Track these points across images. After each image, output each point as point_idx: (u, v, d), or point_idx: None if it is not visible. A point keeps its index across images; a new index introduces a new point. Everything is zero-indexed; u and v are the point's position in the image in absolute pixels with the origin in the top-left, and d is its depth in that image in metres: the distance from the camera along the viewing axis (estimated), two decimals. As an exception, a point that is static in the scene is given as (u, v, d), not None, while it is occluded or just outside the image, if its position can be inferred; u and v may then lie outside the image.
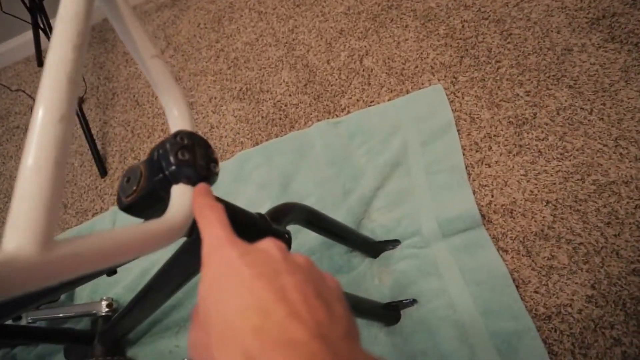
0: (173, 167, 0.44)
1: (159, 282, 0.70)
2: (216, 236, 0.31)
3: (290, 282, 0.25)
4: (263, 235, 0.59)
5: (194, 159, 0.45)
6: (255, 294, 0.24)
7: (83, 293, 1.15)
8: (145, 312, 0.86)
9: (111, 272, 0.68)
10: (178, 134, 0.46)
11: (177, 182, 0.44)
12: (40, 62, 1.81)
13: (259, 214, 0.62)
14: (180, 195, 0.43)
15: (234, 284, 0.25)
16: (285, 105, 1.22)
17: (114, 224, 1.23)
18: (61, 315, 1.07)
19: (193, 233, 0.56)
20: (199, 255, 0.62)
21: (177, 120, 0.50)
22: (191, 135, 0.47)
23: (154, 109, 1.43)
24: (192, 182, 0.44)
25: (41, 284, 0.27)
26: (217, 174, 0.47)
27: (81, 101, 1.53)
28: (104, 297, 1.05)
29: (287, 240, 0.65)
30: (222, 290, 0.26)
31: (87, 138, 1.36)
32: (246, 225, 0.59)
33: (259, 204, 1.06)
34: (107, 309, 1.03)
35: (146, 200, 0.47)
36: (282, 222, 0.66)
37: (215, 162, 0.48)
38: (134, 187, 0.47)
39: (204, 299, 0.26)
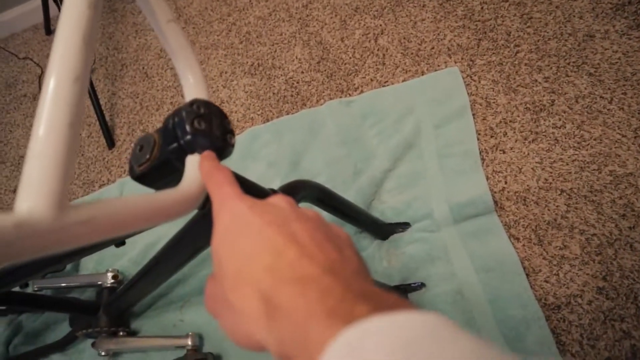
0: (189, 137, 0.42)
1: (168, 254, 0.69)
2: (225, 193, 0.31)
3: (300, 228, 0.25)
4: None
5: (210, 128, 0.44)
6: (266, 238, 0.24)
7: (88, 264, 1.15)
8: (152, 285, 0.85)
9: (120, 243, 0.67)
10: (194, 102, 0.45)
11: (192, 152, 0.43)
12: (49, 30, 1.79)
13: (272, 190, 0.61)
14: (196, 165, 0.42)
15: (244, 232, 0.26)
16: (297, 82, 1.20)
17: (121, 196, 1.22)
18: (67, 284, 1.07)
19: (206, 205, 0.55)
20: (211, 228, 0.60)
21: (193, 87, 0.48)
22: (208, 104, 0.45)
23: (163, 82, 1.41)
24: None
25: (54, 249, 0.26)
26: (233, 145, 0.46)
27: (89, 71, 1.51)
28: (110, 269, 1.04)
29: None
30: (233, 239, 0.26)
31: (95, 109, 1.34)
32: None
33: (268, 181, 1.05)
34: (112, 281, 1.03)
35: (159, 169, 0.45)
36: (294, 198, 0.65)
37: (232, 133, 0.46)
38: (147, 156, 0.45)
39: (216, 251, 0.27)
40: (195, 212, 0.60)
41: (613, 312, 0.75)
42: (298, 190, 0.68)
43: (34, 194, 0.25)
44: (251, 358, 0.90)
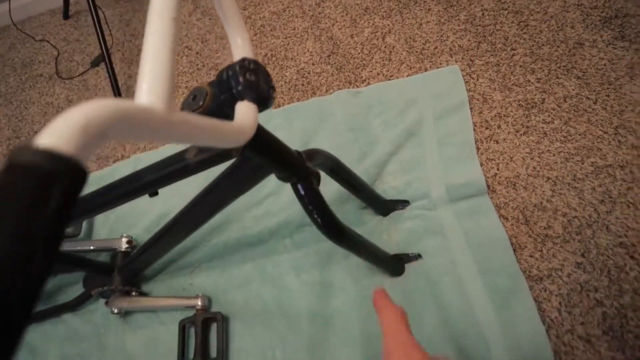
0: (240, 87, 0.50)
1: (193, 209, 0.77)
2: (401, 334, 0.39)
3: None
4: (300, 168, 0.67)
5: (258, 81, 0.52)
6: None
7: (101, 231, 1.22)
8: (170, 243, 0.92)
9: (153, 193, 0.75)
10: (245, 59, 0.53)
11: (242, 100, 0.51)
12: (67, 15, 1.85)
13: (297, 152, 0.69)
14: (246, 109, 0.50)
15: None
16: (308, 73, 1.29)
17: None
18: (83, 248, 1.13)
19: (243, 154, 0.63)
20: (243, 179, 0.69)
21: (241, 48, 0.56)
22: (256, 62, 0.53)
23: (178, 67, 1.48)
24: (256, 101, 0.51)
25: (158, 138, 0.34)
26: (274, 98, 0.54)
27: (108, 53, 1.58)
28: (124, 234, 1.11)
29: (317, 176, 0.72)
30: None
31: (113, 89, 1.41)
32: (287, 159, 0.66)
33: (279, 160, 1.13)
34: (127, 245, 1.09)
35: (211, 114, 0.53)
36: (312, 163, 0.74)
37: (274, 89, 0.54)
38: (200, 103, 0.53)
39: None
40: (228, 164, 0.68)
41: (589, 283, 0.84)
42: (316, 156, 0.76)
43: (153, 93, 0.33)
44: (258, 323, 0.97)
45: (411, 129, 1.09)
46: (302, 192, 0.70)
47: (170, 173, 0.67)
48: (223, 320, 0.97)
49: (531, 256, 0.89)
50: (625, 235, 0.87)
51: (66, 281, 1.16)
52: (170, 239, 0.89)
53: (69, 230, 1.19)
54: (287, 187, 1.09)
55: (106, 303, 1.05)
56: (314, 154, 0.76)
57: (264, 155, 0.63)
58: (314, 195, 0.71)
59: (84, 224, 1.23)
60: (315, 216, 0.71)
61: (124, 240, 1.10)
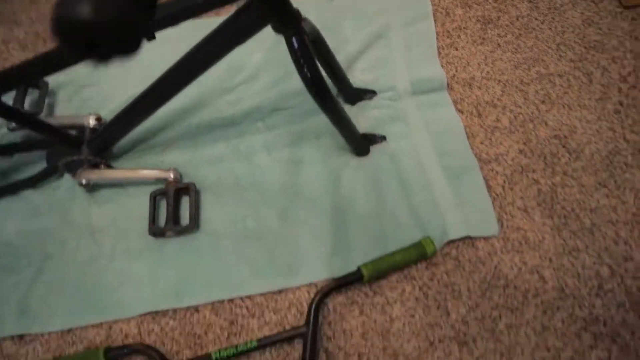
0: None
1: (188, 59, 0.80)
2: None
3: None
4: (297, 23, 0.71)
5: None
6: None
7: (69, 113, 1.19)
8: (150, 108, 0.93)
9: (151, 37, 0.77)
10: None
11: None
12: None
13: (297, 9, 0.75)
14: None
15: None
16: (282, -22, 1.32)
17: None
18: (49, 124, 1.10)
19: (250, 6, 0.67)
20: (247, 23, 0.74)
21: None
22: None
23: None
24: None
25: None
26: None
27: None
28: (92, 112, 1.09)
29: (308, 35, 0.78)
30: None
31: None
32: (289, 9, 0.72)
33: (252, 52, 1.17)
34: (95, 122, 1.08)
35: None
36: (303, 20, 0.79)
37: None
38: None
39: None
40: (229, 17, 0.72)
41: (528, 166, 0.97)
42: (307, 22, 0.82)
43: None
44: (230, 195, 1.02)
45: (380, 32, 1.17)
46: (296, 46, 0.76)
47: (180, 11, 0.70)
48: (196, 191, 1.01)
49: (482, 143, 1.01)
50: (560, 129, 1.01)
51: (25, 160, 1.12)
52: (152, 100, 0.90)
53: (29, 108, 1.16)
54: (261, 74, 1.15)
55: (73, 175, 1.03)
56: (305, 20, 0.81)
57: (270, -2, 0.68)
58: (306, 50, 0.77)
59: (45, 105, 1.18)
60: (305, 70, 0.77)
61: (92, 117, 1.08)
